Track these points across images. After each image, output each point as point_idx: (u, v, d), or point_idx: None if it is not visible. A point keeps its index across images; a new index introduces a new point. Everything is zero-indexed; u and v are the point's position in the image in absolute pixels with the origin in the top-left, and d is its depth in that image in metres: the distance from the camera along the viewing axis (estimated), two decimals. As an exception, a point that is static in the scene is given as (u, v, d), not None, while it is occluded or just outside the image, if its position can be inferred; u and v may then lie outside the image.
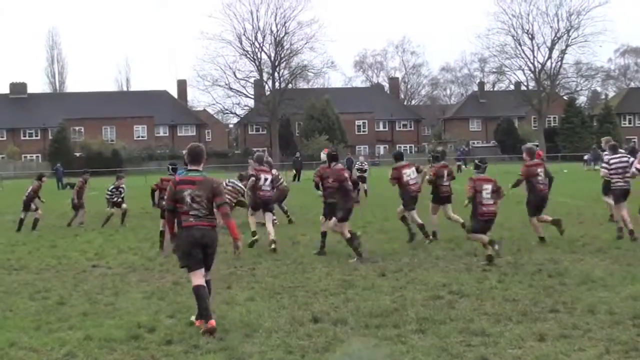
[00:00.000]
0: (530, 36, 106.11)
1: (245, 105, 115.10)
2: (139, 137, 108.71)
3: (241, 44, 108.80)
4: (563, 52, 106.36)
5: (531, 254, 15.65)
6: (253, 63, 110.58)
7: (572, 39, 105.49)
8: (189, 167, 10.44)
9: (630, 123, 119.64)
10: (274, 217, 20.83)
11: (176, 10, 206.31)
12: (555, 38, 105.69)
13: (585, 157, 70.24)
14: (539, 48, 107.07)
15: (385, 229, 21.09)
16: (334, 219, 16.26)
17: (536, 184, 17.88)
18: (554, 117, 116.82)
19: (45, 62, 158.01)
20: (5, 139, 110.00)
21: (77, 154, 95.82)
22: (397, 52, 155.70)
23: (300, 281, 13.27)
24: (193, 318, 10.15)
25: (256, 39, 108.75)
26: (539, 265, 14.11)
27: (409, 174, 18.48)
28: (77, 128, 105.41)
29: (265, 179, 18.13)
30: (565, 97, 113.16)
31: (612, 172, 18.22)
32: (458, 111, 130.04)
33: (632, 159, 18.22)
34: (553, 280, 12.64)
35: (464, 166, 69.96)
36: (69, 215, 26.56)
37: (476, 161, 16.54)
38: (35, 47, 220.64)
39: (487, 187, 15.38)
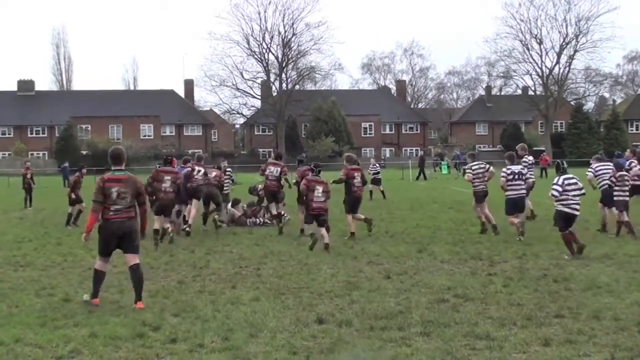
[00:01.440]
0: (538, 41, 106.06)
1: (252, 106, 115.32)
2: (145, 136, 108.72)
3: (249, 44, 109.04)
4: (571, 57, 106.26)
5: (537, 259, 15.65)
6: (260, 64, 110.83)
7: (580, 45, 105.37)
8: (113, 168, 11.74)
9: (637, 129, 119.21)
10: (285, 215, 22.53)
11: (184, 10, 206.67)
12: (564, 43, 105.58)
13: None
14: (547, 53, 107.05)
15: (390, 231, 21.06)
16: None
17: (352, 186, 20.13)
18: (561, 123, 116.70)
19: (52, 60, 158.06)
20: (12, 136, 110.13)
21: (84, 152, 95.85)
22: (405, 55, 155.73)
23: (305, 282, 13.27)
24: (87, 297, 11.72)
25: (264, 39, 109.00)
26: (544, 270, 14.11)
27: (358, 178, 20.35)
28: (83, 126, 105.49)
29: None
30: (572, 103, 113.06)
31: (474, 177, 20.93)
32: (465, 115, 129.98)
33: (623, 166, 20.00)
34: (558, 285, 12.63)
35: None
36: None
37: (312, 165, 19.83)
38: (42, 44, 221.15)
39: (319, 188, 18.51)
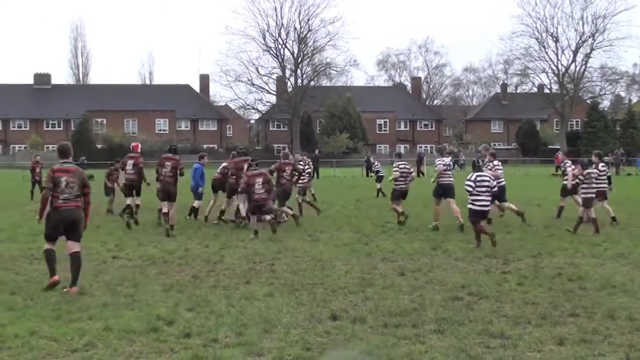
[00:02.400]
0: (554, 39, 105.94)
1: (267, 102, 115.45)
2: (160, 130, 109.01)
3: (265, 40, 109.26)
4: (587, 55, 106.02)
5: (551, 257, 15.60)
6: (276, 59, 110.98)
7: (597, 43, 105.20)
8: (61, 160, 12.68)
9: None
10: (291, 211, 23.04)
11: (200, 5, 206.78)
12: (580, 41, 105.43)
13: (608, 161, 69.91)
14: (563, 51, 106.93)
15: (404, 228, 21.03)
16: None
17: (281, 179, 22.16)
18: (577, 121, 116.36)
19: (69, 53, 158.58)
20: (28, 129, 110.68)
21: (99, 146, 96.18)
22: (421, 52, 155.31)
23: (320, 278, 13.26)
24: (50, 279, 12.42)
25: (279, 35, 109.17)
26: (559, 269, 14.06)
27: (288, 171, 22.45)
28: (99, 120, 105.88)
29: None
30: (588, 101, 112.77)
31: (401, 175, 22.55)
32: (480, 112, 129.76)
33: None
34: (573, 284, 12.59)
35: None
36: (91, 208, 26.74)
37: (253, 163, 21.13)
38: (59, 38, 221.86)
39: (259, 180, 20.03)
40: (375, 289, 12.22)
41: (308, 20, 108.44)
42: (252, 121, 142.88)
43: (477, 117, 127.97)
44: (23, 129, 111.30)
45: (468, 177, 17.77)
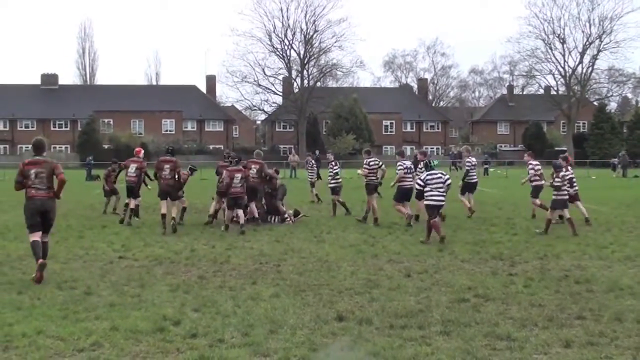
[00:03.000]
0: (561, 40, 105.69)
1: (274, 102, 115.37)
2: (167, 131, 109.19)
3: (271, 41, 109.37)
4: (594, 57, 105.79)
5: (558, 259, 15.57)
6: (282, 60, 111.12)
7: (604, 44, 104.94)
8: (34, 154, 13.63)
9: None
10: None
11: (207, 6, 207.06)
12: (587, 43, 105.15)
13: (614, 162, 69.87)
14: (570, 52, 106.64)
15: (410, 229, 21.02)
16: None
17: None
18: (584, 123, 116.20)
19: (76, 54, 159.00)
20: (35, 129, 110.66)
21: (106, 146, 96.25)
22: (427, 53, 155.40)
23: (326, 279, 13.26)
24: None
25: (286, 36, 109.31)
26: (566, 272, 14.03)
27: (254, 171, 22.81)
28: (106, 120, 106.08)
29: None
30: (595, 103, 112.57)
31: (370, 171, 23.26)
32: (486, 114, 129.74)
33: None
34: (580, 286, 12.57)
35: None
36: (97, 208, 26.84)
37: (234, 159, 22.27)
38: (67, 38, 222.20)
39: (238, 175, 21.36)
40: (382, 290, 12.22)
41: (314, 21, 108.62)
42: (259, 122, 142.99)
43: (484, 119, 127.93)
44: (30, 129, 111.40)
45: (420, 177, 19.84)
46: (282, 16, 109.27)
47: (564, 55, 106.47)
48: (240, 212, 21.26)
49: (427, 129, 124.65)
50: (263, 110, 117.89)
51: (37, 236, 13.25)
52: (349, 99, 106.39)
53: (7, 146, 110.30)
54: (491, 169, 71.47)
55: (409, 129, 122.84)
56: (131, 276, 13.50)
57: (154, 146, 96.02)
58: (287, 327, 9.71)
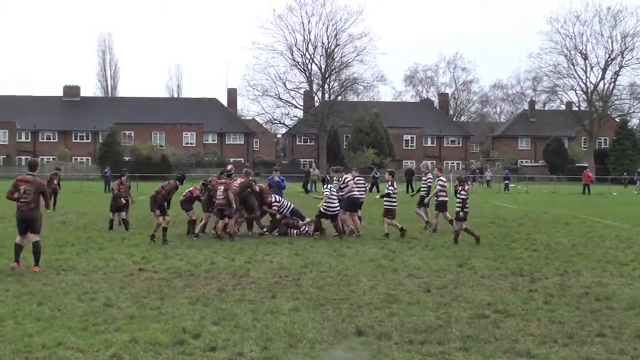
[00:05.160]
0: (583, 56, 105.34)
1: (294, 116, 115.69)
2: (187, 143, 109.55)
3: (292, 54, 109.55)
4: (616, 73, 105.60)
5: (578, 276, 15.50)
6: (303, 74, 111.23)
7: (626, 61, 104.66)
8: (27, 172, 16.08)
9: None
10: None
11: (228, 20, 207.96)
12: (609, 59, 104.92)
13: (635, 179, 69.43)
14: (592, 69, 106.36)
15: (430, 244, 20.98)
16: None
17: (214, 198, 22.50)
18: (605, 139, 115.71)
19: (97, 66, 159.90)
20: (56, 140, 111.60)
21: (127, 158, 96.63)
22: (449, 68, 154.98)
23: (345, 294, 13.25)
24: (13, 264, 15.79)
25: (307, 50, 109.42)
26: (586, 288, 13.96)
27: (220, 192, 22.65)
28: (127, 132, 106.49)
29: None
30: (617, 119, 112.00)
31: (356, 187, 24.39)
32: (507, 129, 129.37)
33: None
34: (600, 303, 12.50)
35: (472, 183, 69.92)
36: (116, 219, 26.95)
37: (224, 174, 23.75)
38: (89, 50, 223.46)
39: (221, 187, 22.26)
40: (401, 305, 12.20)
41: (336, 35, 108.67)
42: (279, 135, 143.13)
43: (505, 134, 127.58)
44: (52, 140, 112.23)
45: (329, 189, 23.11)
46: (304, 30, 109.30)
47: (585, 71, 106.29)
48: (222, 222, 22.35)
49: (448, 143, 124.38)
50: (284, 123, 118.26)
51: (21, 239, 15.97)
52: (370, 114, 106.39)
53: (29, 157, 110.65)
54: (511, 185, 71.18)
55: (429, 144, 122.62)
56: (151, 288, 13.53)
57: (175, 159, 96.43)
58: (306, 341, 9.71)
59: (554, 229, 25.89)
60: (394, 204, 23.17)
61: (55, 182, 35.06)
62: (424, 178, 26.38)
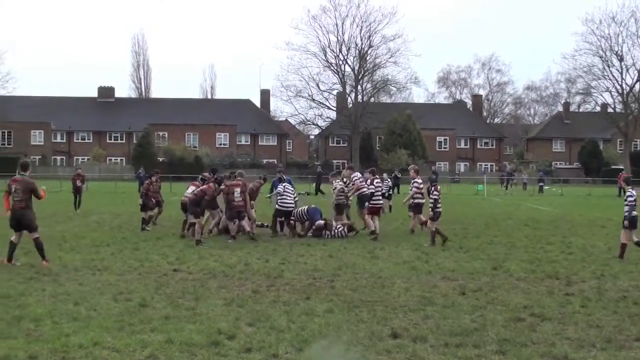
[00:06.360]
0: (619, 58, 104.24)
1: (327, 117, 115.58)
2: (221, 144, 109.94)
3: (325, 56, 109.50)
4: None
5: (615, 279, 15.36)
6: (336, 75, 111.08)
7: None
8: (20, 172, 16.60)
9: None
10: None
11: (262, 21, 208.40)
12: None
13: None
14: (627, 70, 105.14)
15: (465, 247, 20.88)
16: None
17: (232, 201, 22.50)
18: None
19: (131, 67, 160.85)
20: (91, 141, 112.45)
21: (160, 159, 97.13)
22: (483, 69, 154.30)
23: (380, 296, 13.21)
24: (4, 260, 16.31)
25: (340, 51, 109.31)
26: (624, 292, 13.83)
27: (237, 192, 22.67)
28: (161, 133, 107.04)
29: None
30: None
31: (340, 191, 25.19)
32: (541, 131, 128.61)
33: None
34: (638, 307, 12.38)
35: (508, 186, 69.42)
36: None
37: (232, 174, 23.85)
38: (123, 52, 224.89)
39: (237, 190, 22.22)
40: (436, 308, 12.14)
41: (369, 36, 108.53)
42: (312, 137, 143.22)
43: (539, 136, 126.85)
44: (86, 141, 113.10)
45: (282, 187, 24.09)
46: (337, 31, 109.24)
47: (621, 73, 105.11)
48: (244, 222, 22.49)
49: (482, 145, 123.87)
50: (317, 125, 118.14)
51: (15, 237, 16.56)
52: (403, 115, 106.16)
53: (64, 157, 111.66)
54: (546, 187, 70.67)
55: (463, 146, 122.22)
56: (186, 289, 13.57)
57: (208, 160, 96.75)
58: (341, 343, 9.67)
59: (590, 232, 25.70)
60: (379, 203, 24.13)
61: (79, 182, 35.32)
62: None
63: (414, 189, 24.08)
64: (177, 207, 24.86)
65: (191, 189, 23.36)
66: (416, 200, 24.29)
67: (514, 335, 10.22)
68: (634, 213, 18.69)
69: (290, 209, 23.67)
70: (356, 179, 24.44)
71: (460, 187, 77.02)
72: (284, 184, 24.59)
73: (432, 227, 21.50)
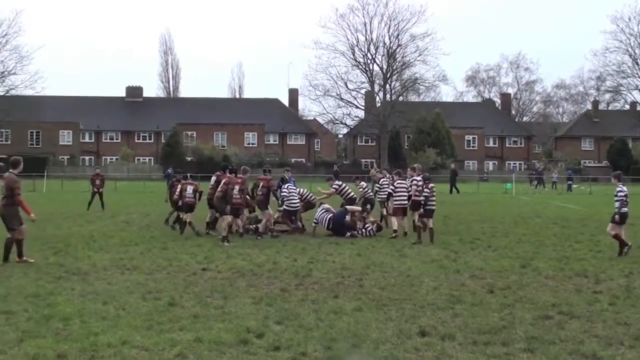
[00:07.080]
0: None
1: (356, 116, 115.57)
2: (249, 144, 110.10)
3: (354, 55, 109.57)
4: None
5: (645, 278, 15.28)
6: (365, 74, 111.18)
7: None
8: (10, 170, 16.79)
9: None
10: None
11: (290, 20, 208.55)
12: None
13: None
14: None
15: (493, 245, 20.83)
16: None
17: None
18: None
19: (160, 67, 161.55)
20: (120, 141, 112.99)
21: (189, 158, 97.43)
22: (511, 68, 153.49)
23: (408, 294, 13.22)
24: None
25: (369, 50, 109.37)
26: (653, 290, 13.77)
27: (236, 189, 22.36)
28: (189, 133, 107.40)
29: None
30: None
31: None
32: (570, 129, 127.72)
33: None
34: (667, 305, 12.32)
35: (537, 185, 69.00)
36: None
37: (231, 167, 24.17)
38: (151, 52, 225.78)
39: (236, 187, 21.72)
40: (464, 306, 12.14)
41: (397, 35, 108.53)
42: (340, 135, 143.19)
43: (568, 134, 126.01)
44: (115, 140, 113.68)
45: (287, 188, 24.63)
46: (366, 30, 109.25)
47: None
48: (239, 220, 22.68)
49: (510, 144, 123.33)
50: (345, 124, 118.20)
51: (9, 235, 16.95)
52: (431, 114, 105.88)
53: (93, 157, 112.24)
54: (574, 185, 70.21)
55: (491, 144, 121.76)
56: (214, 288, 13.63)
57: (237, 159, 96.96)
58: (369, 341, 9.71)
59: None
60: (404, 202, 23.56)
61: (98, 182, 35.56)
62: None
63: (414, 187, 23.86)
64: (204, 207, 24.81)
65: (190, 189, 23.86)
66: (414, 199, 23.99)
67: (542, 333, 10.21)
68: (625, 209, 19.06)
69: (297, 208, 24.80)
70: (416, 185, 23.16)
71: (488, 185, 76.69)
72: (287, 185, 25.31)
73: (419, 222, 22.08)
